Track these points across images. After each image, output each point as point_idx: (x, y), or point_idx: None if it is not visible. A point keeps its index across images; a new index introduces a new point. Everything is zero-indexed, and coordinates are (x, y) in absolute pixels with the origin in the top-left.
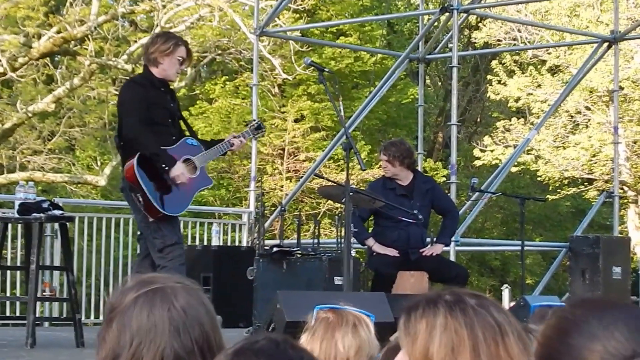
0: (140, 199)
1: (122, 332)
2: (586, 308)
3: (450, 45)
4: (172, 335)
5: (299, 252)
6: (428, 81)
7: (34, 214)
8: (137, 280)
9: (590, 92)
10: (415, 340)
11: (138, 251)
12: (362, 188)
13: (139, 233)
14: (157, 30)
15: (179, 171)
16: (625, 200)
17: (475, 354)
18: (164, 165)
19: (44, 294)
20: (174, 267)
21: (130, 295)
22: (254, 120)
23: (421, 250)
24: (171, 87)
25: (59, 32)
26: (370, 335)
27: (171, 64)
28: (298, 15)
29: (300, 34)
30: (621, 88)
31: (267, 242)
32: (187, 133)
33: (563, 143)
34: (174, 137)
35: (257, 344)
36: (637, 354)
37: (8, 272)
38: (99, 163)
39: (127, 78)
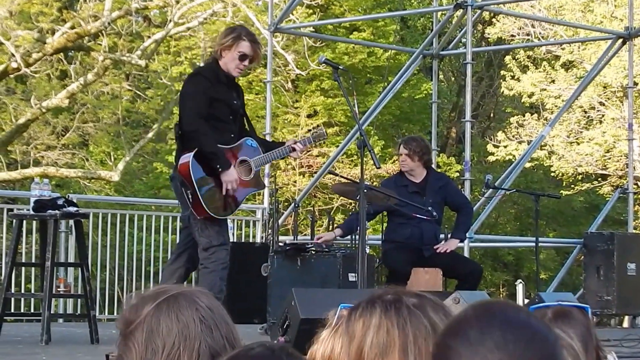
0: (190, 197)
1: (149, 340)
2: (460, 328)
3: (463, 40)
4: (205, 333)
5: (313, 248)
6: (441, 77)
7: (49, 211)
8: (150, 293)
9: (605, 87)
10: (352, 339)
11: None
12: (375, 184)
13: (181, 224)
14: (170, 25)
15: (231, 177)
16: None
17: (404, 354)
18: (218, 167)
19: (58, 290)
20: (216, 269)
21: (149, 306)
22: (318, 127)
23: (435, 247)
24: (238, 81)
25: (72, 27)
26: None
27: (230, 58)
28: (311, 10)
29: (314, 30)
30: (635, 84)
31: (281, 238)
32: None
33: (577, 139)
34: (232, 135)
35: (252, 351)
36: None
37: (23, 268)
38: (112, 158)
39: (140, 73)
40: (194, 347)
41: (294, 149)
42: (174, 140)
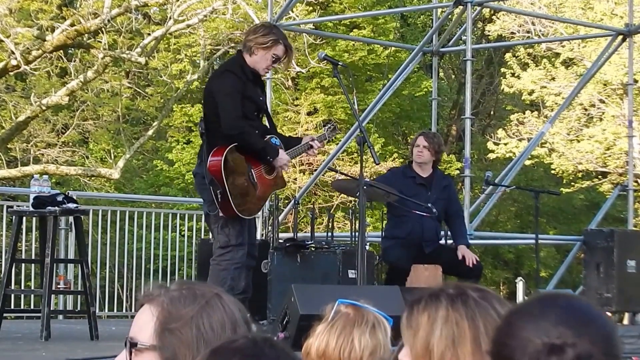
0: (220, 197)
1: (201, 336)
2: (523, 306)
3: (464, 37)
4: (246, 331)
5: (313, 245)
6: (441, 74)
7: (49, 207)
8: (184, 290)
9: (605, 85)
10: (417, 332)
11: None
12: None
13: (205, 216)
14: (170, 23)
15: (284, 160)
16: None
17: (477, 345)
18: (269, 158)
19: (58, 286)
20: (228, 268)
21: (196, 303)
22: (330, 123)
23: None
24: (262, 78)
25: (72, 25)
26: (386, 339)
27: (264, 58)
28: (311, 8)
29: (314, 27)
30: (635, 81)
31: (281, 235)
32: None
33: (577, 136)
34: (257, 132)
35: (235, 343)
36: (566, 343)
37: (23, 265)
38: (112, 156)
39: (140, 71)
40: None
41: (311, 146)
42: (200, 137)
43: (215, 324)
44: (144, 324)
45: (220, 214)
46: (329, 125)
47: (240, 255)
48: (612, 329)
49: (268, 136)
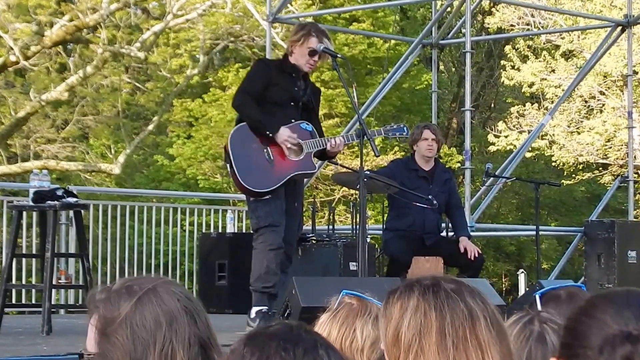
0: (229, 170)
1: (136, 335)
2: (609, 293)
3: (463, 30)
4: (190, 323)
5: (314, 238)
6: (442, 67)
7: (49, 202)
8: (119, 287)
9: (605, 76)
10: (389, 321)
11: None
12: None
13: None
14: (169, 17)
15: (284, 136)
16: None
17: (442, 336)
18: (267, 132)
19: (59, 281)
20: (263, 250)
21: (128, 301)
22: (403, 126)
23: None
24: (310, 78)
25: (71, 20)
26: None
27: (301, 54)
28: (311, 1)
29: (313, 20)
30: (635, 72)
31: None
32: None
33: (577, 128)
34: (293, 120)
35: (270, 328)
36: None
37: (23, 260)
38: (112, 151)
39: (139, 66)
40: (184, 338)
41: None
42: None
43: (148, 321)
44: (89, 333)
45: (252, 199)
46: (399, 131)
47: (273, 237)
48: None
49: (298, 122)
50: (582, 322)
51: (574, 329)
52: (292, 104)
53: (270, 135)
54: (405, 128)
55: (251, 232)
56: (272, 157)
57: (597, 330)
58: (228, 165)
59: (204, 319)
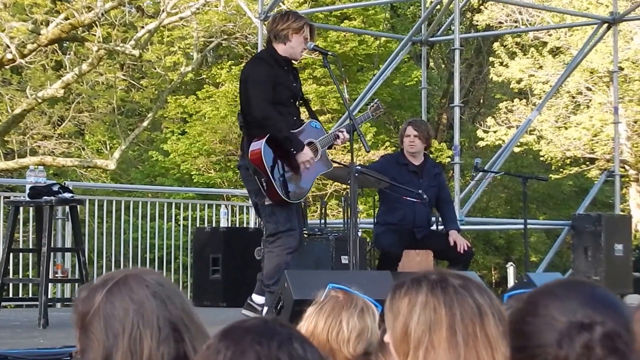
0: (265, 184)
1: (108, 325)
2: (546, 288)
3: (452, 27)
4: (160, 307)
5: (306, 232)
6: (432, 64)
7: (45, 197)
8: (98, 281)
9: (591, 73)
10: (397, 316)
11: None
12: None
13: (254, 206)
14: (163, 15)
15: (307, 156)
16: (627, 179)
17: (452, 332)
18: (292, 150)
19: (55, 275)
20: (281, 254)
21: (100, 294)
22: (374, 101)
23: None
24: (295, 66)
25: (66, 18)
26: (374, 323)
27: (299, 42)
28: None
29: None
30: (621, 69)
31: None
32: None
33: (565, 123)
34: (295, 118)
35: (246, 323)
36: (594, 321)
37: (20, 254)
38: (108, 147)
39: (134, 63)
40: (152, 323)
41: (337, 136)
42: (240, 130)
43: (117, 309)
44: (75, 332)
45: (267, 202)
46: (372, 104)
47: (291, 241)
48: (629, 311)
49: (308, 121)
50: (529, 323)
51: (522, 331)
52: (292, 100)
53: (295, 153)
54: (377, 101)
55: (245, 227)
56: (297, 164)
57: (547, 327)
58: (263, 180)
59: (177, 302)
